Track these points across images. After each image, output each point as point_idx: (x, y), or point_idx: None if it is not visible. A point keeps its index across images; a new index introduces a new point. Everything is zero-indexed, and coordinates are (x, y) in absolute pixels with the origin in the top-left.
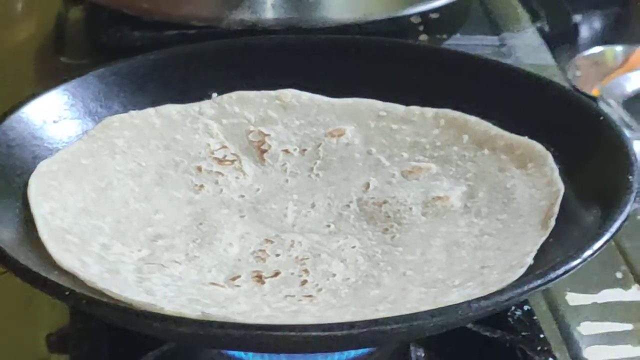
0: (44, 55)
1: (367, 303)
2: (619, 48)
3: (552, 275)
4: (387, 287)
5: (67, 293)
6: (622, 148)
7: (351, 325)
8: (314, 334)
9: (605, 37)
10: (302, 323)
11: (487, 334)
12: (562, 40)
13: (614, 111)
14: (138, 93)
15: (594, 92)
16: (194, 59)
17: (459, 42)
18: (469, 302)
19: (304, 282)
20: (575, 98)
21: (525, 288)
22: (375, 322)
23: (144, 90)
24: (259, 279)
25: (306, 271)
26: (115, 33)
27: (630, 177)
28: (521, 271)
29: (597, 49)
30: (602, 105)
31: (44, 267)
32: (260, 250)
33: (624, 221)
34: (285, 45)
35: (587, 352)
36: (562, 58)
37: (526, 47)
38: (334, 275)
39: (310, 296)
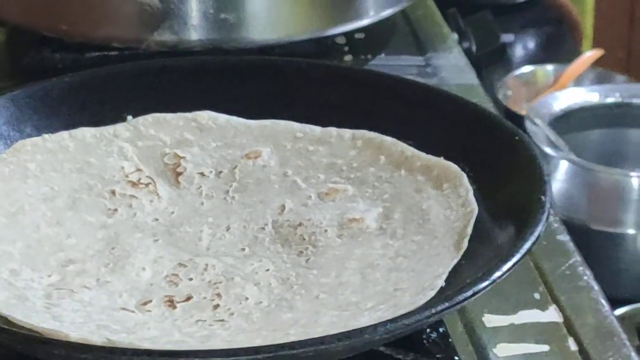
0: None
1: (279, 327)
2: (549, 67)
3: (461, 297)
4: (299, 310)
5: None
6: (535, 168)
7: (257, 350)
8: (219, 359)
9: (539, 56)
10: (210, 348)
11: (400, 357)
12: (494, 61)
13: (541, 130)
14: (52, 116)
15: (523, 112)
16: (109, 81)
17: (384, 62)
18: (375, 326)
19: (216, 306)
20: (491, 118)
21: (433, 311)
22: (282, 346)
23: (58, 114)
24: (171, 303)
25: (219, 295)
26: (36, 55)
27: (542, 197)
28: (432, 293)
29: (528, 68)
30: (529, 125)
31: None
32: (173, 275)
33: (534, 242)
34: (202, 66)
35: None
36: (493, 78)
37: (452, 67)
38: (247, 299)
39: (222, 320)
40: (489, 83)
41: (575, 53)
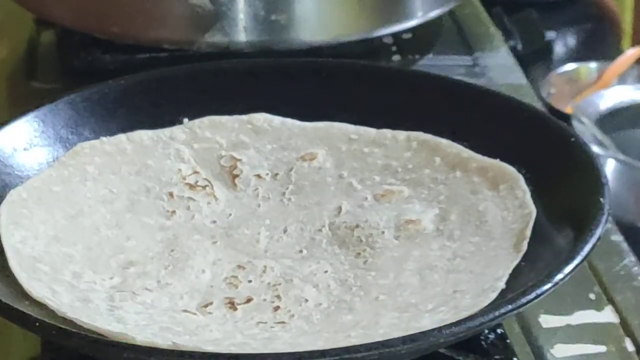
0: (15, 79)
1: (339, 329)
2: (592, 64)
3: (524, 300)
4: (359, 312)
5: (36, 324)
6: (593, 170)
7: (323, 353)
8: None
9: (579, 54)
10: (274, 352)
11: (460, 358)
12: (536, 58)
13: (587, 129)
14: (109, 119)
15: (568, 110)
16: (164, 83)
17: (431, 62)
18: (440, 329)
19: (277, 308)
20: (546, 119)
21: (497, 313)
22: (347, 349)
23: (115, 116)
24: (231, 305)
25: (278, 297)
26: (86, 57)
27: (601, 199)
28: (493, 295)
29: (571, 66)
30: (575, 123)
31: (15, 296)
32: (232, 277)
33: (595, 243)
34: (256, 69)
35: None
36: (536, 75)
37: (499, 67)
38: (307, 300)
39: (282, 322)
40: (533, 81)
41: (616, 50)
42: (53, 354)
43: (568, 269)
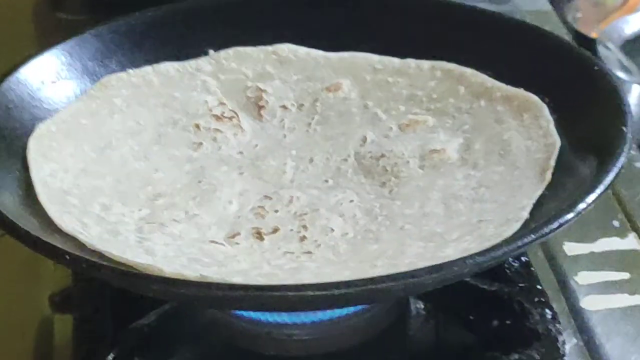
0: (41, 11)
1: (365, 258)
2: None
3: (547, 229)
4: (385, 241)
5: (66, 257)
6: (616, 98)
7: (348, 284)
8: (311, 293)
9: None
10: (301, 282)
11: (485, 286)
12: None
13: (613, 54)
14: (136, 51)
15: (594, 35)
16: (190, 15)
17: None
18: (464, 259)
19: (303, 238)
20: (570, 48)
21: (520, 243)
22: (372, 280)
23: (141, 48)
24: (259, 235)
25: (305, 227)
26: None
27: (624, 128)
28: (517, 225)
29: None
30: (601, 49)
31: (45, 229)
32: (259, 207)
33: (618, 172)
34: None
35: (584, 301)
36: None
37: None
38: (333, 230)
39: (309, 252)
40: (559, 5)
41: None
42: (83, 285)
43: (591, 198)
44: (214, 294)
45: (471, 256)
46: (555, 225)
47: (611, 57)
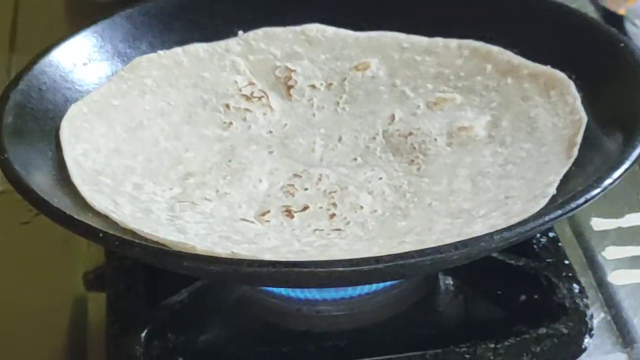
0: None
1: (394, 235)
2: None
3: (573, 205)
4: (413, 218)
5: (100, 235)
6: None
7: (377, 260)
8: (341, 269)
9: None
10: (330, 259)
11: (512, 262)
12: None
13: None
14: (165, 32)
15: (621, 12)
16: None
17: None
18: (491, 234)
19: (332, 215)
20: (596, 25)
21: (547, 219)
22: (400, 256)
23: (171, 30)
24: (289, 213)
25: (334, 204)
26: None
27: None
28: (544, 202)
29: None
30: (629, 26)
31: (78, 209)
32: (289, 185)
33: None
34: None
35: (612, 276)
36: None
37: None
38: (362, 207)
39: (338, 230)
40: None
41: None
42: (116, 262)
43: (617, 174)
44: (245, 271)
45: (498, 231)
46: (581, 200)
47: (639, 35)
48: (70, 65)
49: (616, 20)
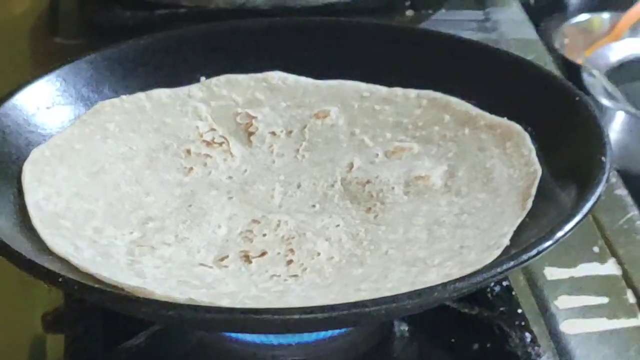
0: (38, 34)
1: (350, 282)
2: (605, 15)
3: (525, 256)
4: (369, 266)
5: (59, 280)
6: (596, 129)
7: (332, 308)
8: (296, 317)
9: (592, 4)
10: (286, 306)
11: (466, 310)
12: (552, 9)
13: (598, 81)
14: (129, 78)
15: (579, 62)
16: (183, 43)
17: (444, 17)
18: (445, 284)
19: (290, 261)
20: (552, 79)
21: (499, 270)
22: (355, 304)
23: (134, 75)
24: (246, 258)
25: (292, 251)
26: (107, 13)
27: (603, 158)
28: (497, 252)
29: (584, 17)
30: (586, 76)
31: (38, 252)
32: (247, 231)
33: (596, 202)
34: (271, 28)
35: (564, 325)
36: (550, 25)
37: (510, 22)
38: (319, 254)
39: (295, 276)
40: (546, 31)
41: (629, 1)
42: (75, 304)
43: (569, 226)
44: (202, 317)
45: (451, 282)
46: (534, 252)
47: (596, 84)
48: (34, 108)
49: (574, 70)
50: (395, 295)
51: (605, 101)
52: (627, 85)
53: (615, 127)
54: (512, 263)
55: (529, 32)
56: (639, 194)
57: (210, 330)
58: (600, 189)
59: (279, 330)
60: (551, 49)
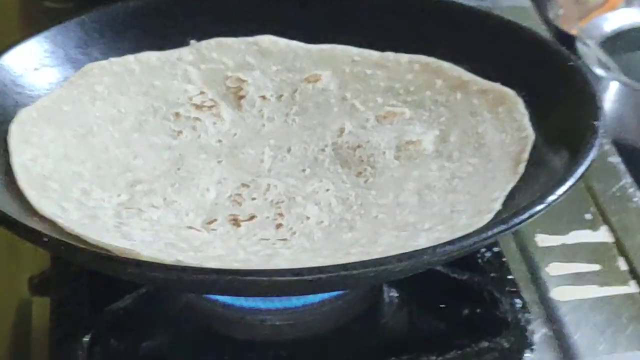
0: None
1: (339, 247)
2: None
3: (517, 220)
4: (359, 230)
5: (45, 239)
6: (589, 93)
7: (320, 270)
8: (284, 278)
9: None
10: (274, 268)
11: (456, 275)
12: None
13: (592, 51)
14: (118, 40)
15: (573, 32)
16: (173, 5)
17: None
18: (434, 247)
19: (279, 225)
20: (545, 43)
21: (490, 233)
22: (344, 266)
23: (124, 38)
24: (235, 222)
25: (281, 215)
26: None
27: (596, 122)
28: (489, 217)
29: None
30: (580, 46)
31: (24, 213)
32: (236, 195)
33: (588, 166)
34: None
35: (554, 292)
36: None
37: None
38: (308, 218)
39: (284, 240)
40: (540, 2)
41: None
42: (62, 267)
43: (561, 190)
44: (188, 278)
45: (441, 245)
46: (525, 216)
47: (590, 54)
48: (22, 69)
49: (568, 40)
50: (384, 258)
51: (599, 71)
52: (621, 56)
53: (609, 97)
54: (503, 226)
55: (522, 0)
56: (632, 164)
57: (198, 293)
58: (593, 153)
59: (266, 293)
60: (545, 20)
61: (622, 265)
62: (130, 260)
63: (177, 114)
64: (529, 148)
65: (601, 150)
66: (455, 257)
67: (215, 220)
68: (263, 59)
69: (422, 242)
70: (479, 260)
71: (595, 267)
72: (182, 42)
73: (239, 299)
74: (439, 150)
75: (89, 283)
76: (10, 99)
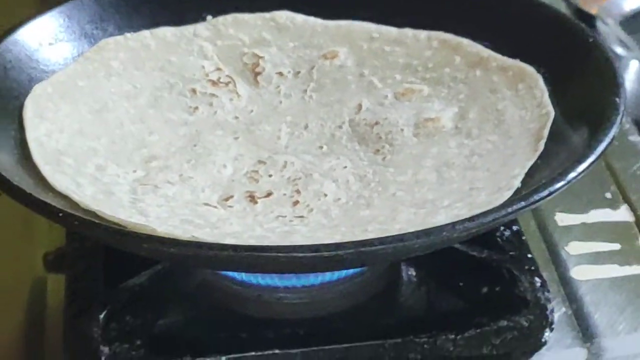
0: None
1: (357, 223)
2: None
3: (536, 197)
4: (377, 207)
5: (60, 214)
6: (610, 70)
7: (338, 246)
8: (301, 254)
9: None
10: (291, 244)
11: (475, 254)
12: None
13: (611, 30)
14: (134, 15)
15: (593, 11)
16: None
17: None
18: (453, 224)
19: (296, 202)
20: (566, 20)
21: (509, 210)
22: (362, 243)
23: (139, 12)
24: (252, 199)
25: (298, 192)
26: None
27: (617, 99)
28: (508, 194)
29: None
30: (600, 25)
31: (39, 188)
32: (253, 171)
33: (609, 143)
34: None
35: (574, 271)
36: None
37: None
38: (326, 195)
39: (301, 217)
40: None
41: None
42: (77, 243)
43: (581, 167)
44: (205, 254)
45: (460, 221)
46: (545, 193)
47: (610, 33)
48: (36, 44)
49: (588, 19)
50: (403, 234)
51: (619, 50)
52: None
53: (630, 77)
54: (522, 203)
55: None
56: None
57: (214, 269)
58: (613, 130)
59: (283, 270)
60: None
61: None
62: (146, 235)
63: (193, 90)
64: (548, 125)
65: (622, 129)
66: (474, 234)
67: (232, 196)
68: (280, 35)
69: (441, 219)
70: (498, 239)
71: (615, 246)
72: (198, 18)
73: (255, 277)
74: (458, 127)
75: (104, 259)
76: (25, 74)
